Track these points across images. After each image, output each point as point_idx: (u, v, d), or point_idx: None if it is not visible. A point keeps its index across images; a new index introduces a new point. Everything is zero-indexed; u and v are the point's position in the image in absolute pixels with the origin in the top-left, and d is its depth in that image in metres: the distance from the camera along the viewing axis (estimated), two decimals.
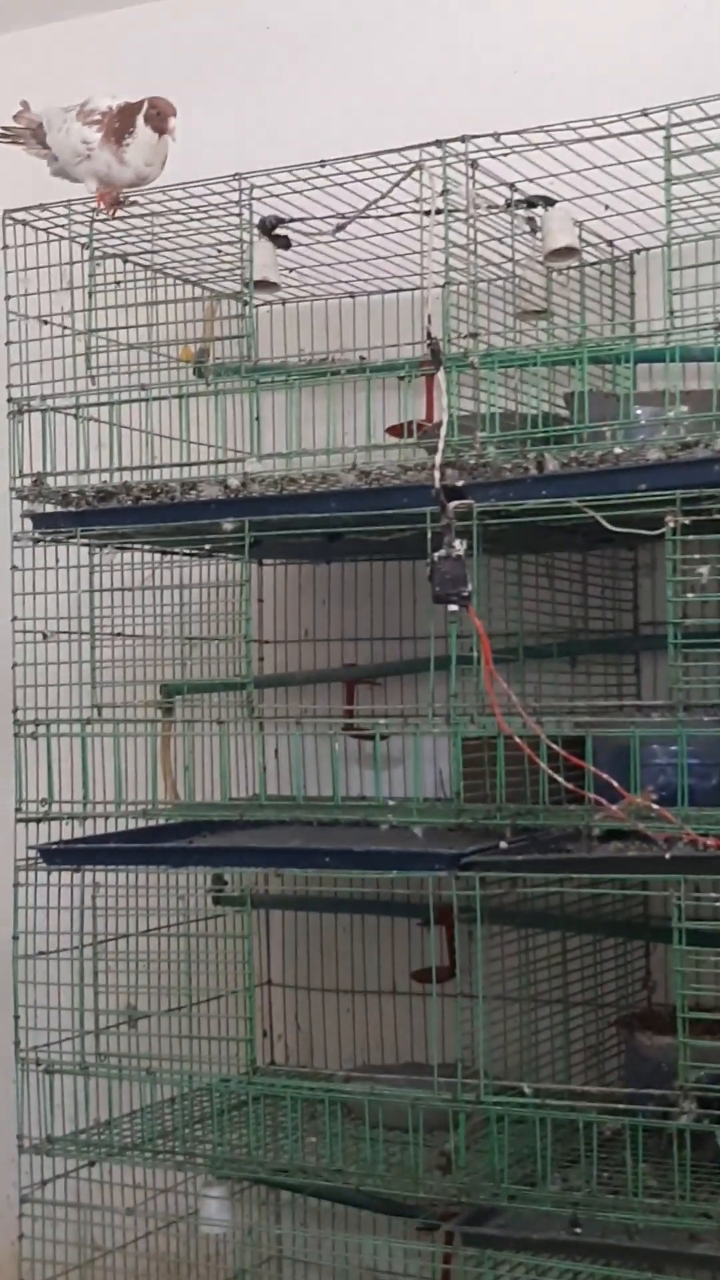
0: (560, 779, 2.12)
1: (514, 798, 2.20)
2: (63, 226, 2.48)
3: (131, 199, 2.42)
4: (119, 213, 2.42)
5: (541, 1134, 2.13)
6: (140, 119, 2.33)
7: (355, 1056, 2.82)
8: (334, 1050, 2.85)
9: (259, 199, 2.38)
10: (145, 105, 2.33)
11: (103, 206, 2.40)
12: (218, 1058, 2.42)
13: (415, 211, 2.36)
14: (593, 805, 2.13)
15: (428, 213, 2.21)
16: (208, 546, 2.48)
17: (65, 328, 2.48)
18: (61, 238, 2.50)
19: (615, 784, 2.10)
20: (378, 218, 2.45)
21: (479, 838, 2.21)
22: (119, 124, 2.34)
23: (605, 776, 2.10)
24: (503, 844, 2.17)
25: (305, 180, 2.35)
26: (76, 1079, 2.44)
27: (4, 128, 2.50)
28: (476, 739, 2.21)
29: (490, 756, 2.19)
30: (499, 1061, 2.29)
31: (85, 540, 2.45)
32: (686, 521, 2.04)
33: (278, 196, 2.41)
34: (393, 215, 2.43)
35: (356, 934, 2.83)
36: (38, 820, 2.46)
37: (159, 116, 2.32)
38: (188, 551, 2.57)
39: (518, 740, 2.12)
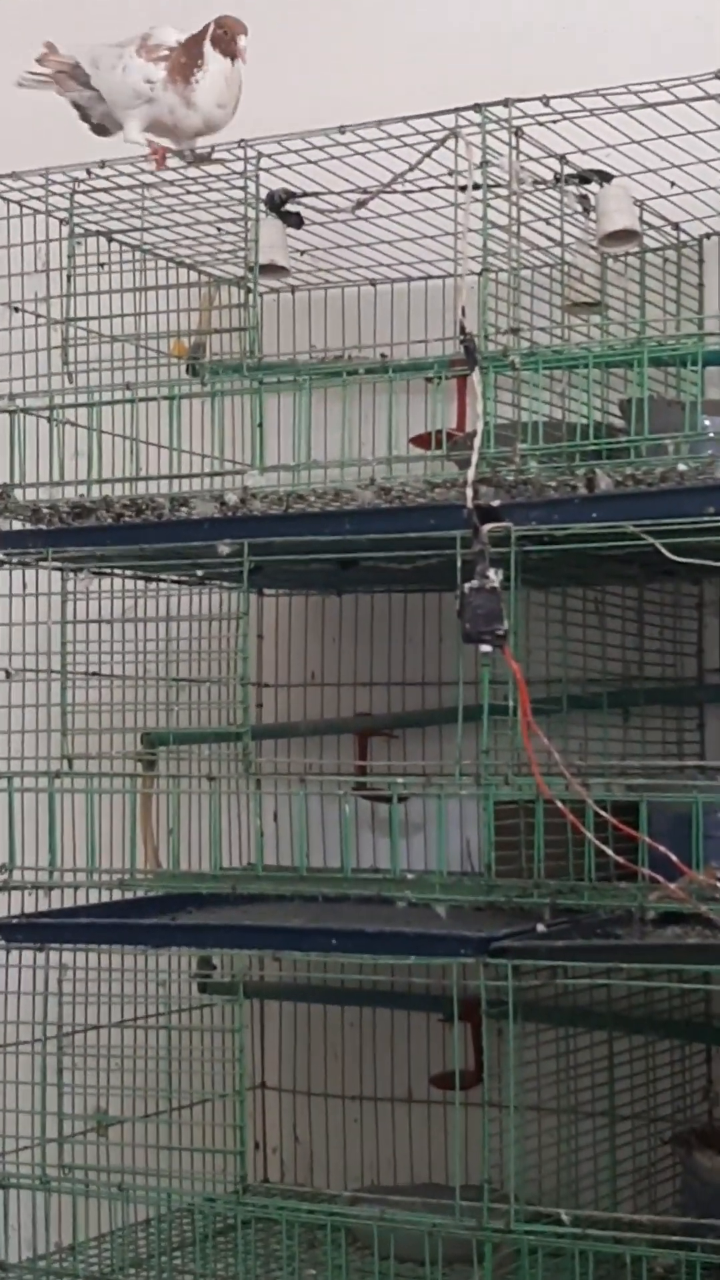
0: (609, 851, 2.12)
1: (554, 873, 2.19)
2: (39, 199, 2.50)
3: (214, 156, 2.40)
4: (206, 167, 2.39)
5: (582, 1269, 2.12)
6: (207, 44, 2.33)
7: (363, 1175, 2.81)
8: (338, 1167, 2.84)
9: (267, 170, 2.40)
10: (211, 27, 2.33)
11: (156, 162, 2.40)
12: (202, 1173, 2.41)
13: (449, 187, 2.37)
14: (647, 883, 2.12)
15: (463, 188, 2.23)
16: (200, 573, 2.49)
17: (39, 316, 2.50)
18: (37, 211, 2.52)
19: (674, 858, 2.09)
20: (405, 193, 2.46)
21: (512, 919, 2.21)
22: (185, 59, 2.35)
23: (662, 849, 2.10)
24: (540, 927, 2.16)
25: (321, 149, 2.37)
26: (36, 1195, 2.43)
27: (31, 72, 2.52)
28: (511, 803, 2.20)
29: (527, 824, 2.18)
30: (533, 1183, 2.27)
31: (58, 563, 2.46)
32: None
33: (289, 167, 2.42)
34: (422, 191, 2.45)
35: (366, 1031, 2.83)
36: None
37: (227, 37, 2.32)
38: (177, 578, 2.58)
39: (560, 805, 2.12)
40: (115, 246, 2.60)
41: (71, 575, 2.48)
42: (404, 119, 2.27)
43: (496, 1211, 2.15)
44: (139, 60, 2.39)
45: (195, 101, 2.36)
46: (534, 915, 2.18)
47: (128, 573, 2.55)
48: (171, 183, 2.45)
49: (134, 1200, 2.43)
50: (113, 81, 2.44)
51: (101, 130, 2.53)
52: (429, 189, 2.44)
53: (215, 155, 2.38)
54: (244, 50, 2.32)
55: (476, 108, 2.21)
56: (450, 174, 2.31)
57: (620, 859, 2.13)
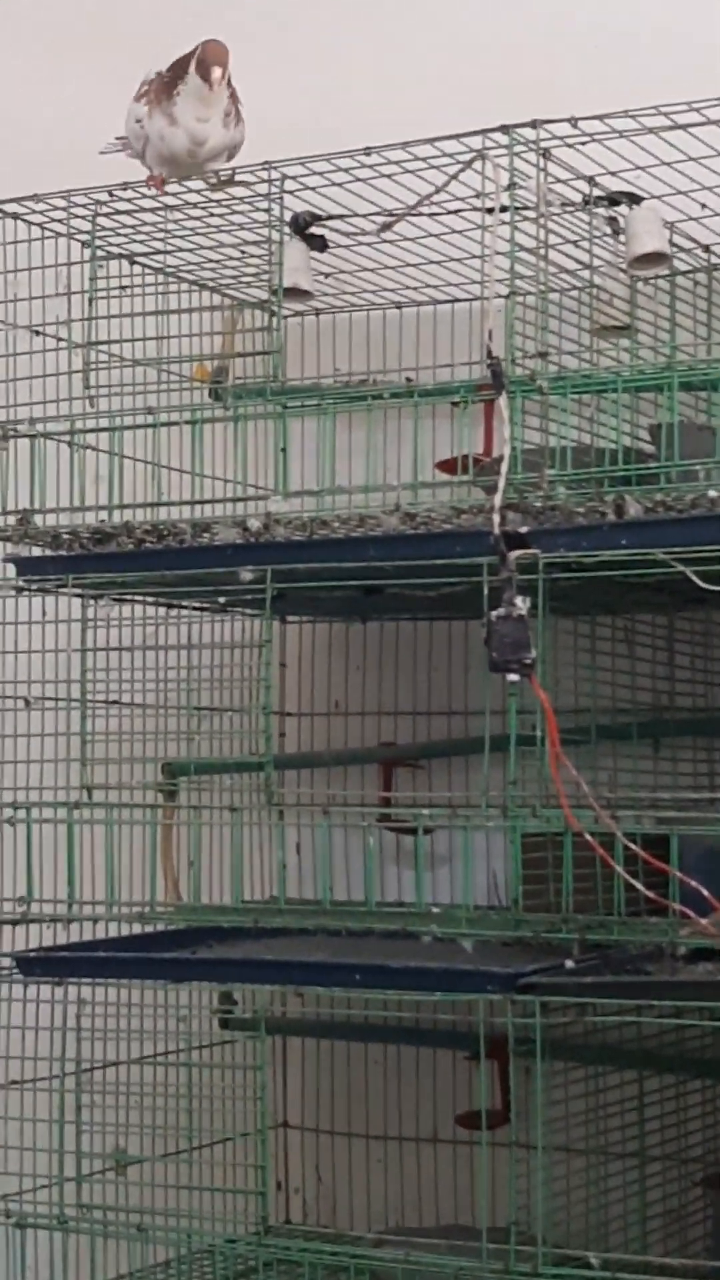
0: (639, 885, 2.11)
1: (583, 907, 2.19)
2: (60, 221, 2.52)
3: (226, 179, 2.41)
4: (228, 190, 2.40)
5: None
6: (192, 64, 2.34)
7: (387, 1216, 2.80)
8: (361, 1208, 2.84)
9: (291, 192, 2.41)
10: (197, 50, 2.34)
11: (155, 186, 2.42)
12: (223, 1213, 2.40)
13: (476, 209, 2.38)
14: (678, 918, 2.12)
15: (490, 210, 2.23)
16: (222, 600, 2.49)
17: (61, 339, 2.51)
18: (58, 234, 2.54)
19: (705, 893, 2.09)
20: (431, 216, 2.47)
21: (540, 954, 2.20)
22: (169, 77, 2.36)
23: (693, 883, 2.09)
24: (569, 963, 2.16)
25: (346, 171, 2.38)
26: (53, 1235, 2.43)
27: (119, 138, 2.54)
28: (539, 835, 2.20)
29: (555, 857, 2.18)
30: (561, 1225, 2.27)
31: (78, 590, 2.47)
32: None
33: (313, 189, 2.44)
34: (449, 213, 2.46)
35: (391, 1068, 2.82)
36: (14, 923, 2.46)
37: (201, 63, 2.34)
38: (198, 605, 2.58)
39: (588, 838, 2.11)
40: (137, 269, 2.62)
41: (92, 602, 2.49)
42: (430, 140, 2.28)
43: (524, 1254, 2.14)
44: (133, 104, 2.42)
45: (175, 116, 2.37)
46: (562, 950, 2.18)
47: (149, 599, 2.56)
48: (195, 205, 2.46)
49: (153, 1241, 2.42)
50: (127, 128, 2.47)
51: None
52: (455, 211, 2.45)
53: (238, 178, 2.39)
54: (217, 81, 2.33)
55: (504, 129, 2.22)
56: (477, 196, 2.32)
57: (650, 893, 2.12)
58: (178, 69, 2.37)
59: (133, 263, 2.62)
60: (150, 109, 2.38)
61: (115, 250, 2.58)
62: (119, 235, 2.55)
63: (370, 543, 2.28)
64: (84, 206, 2.49)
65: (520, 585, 2.14)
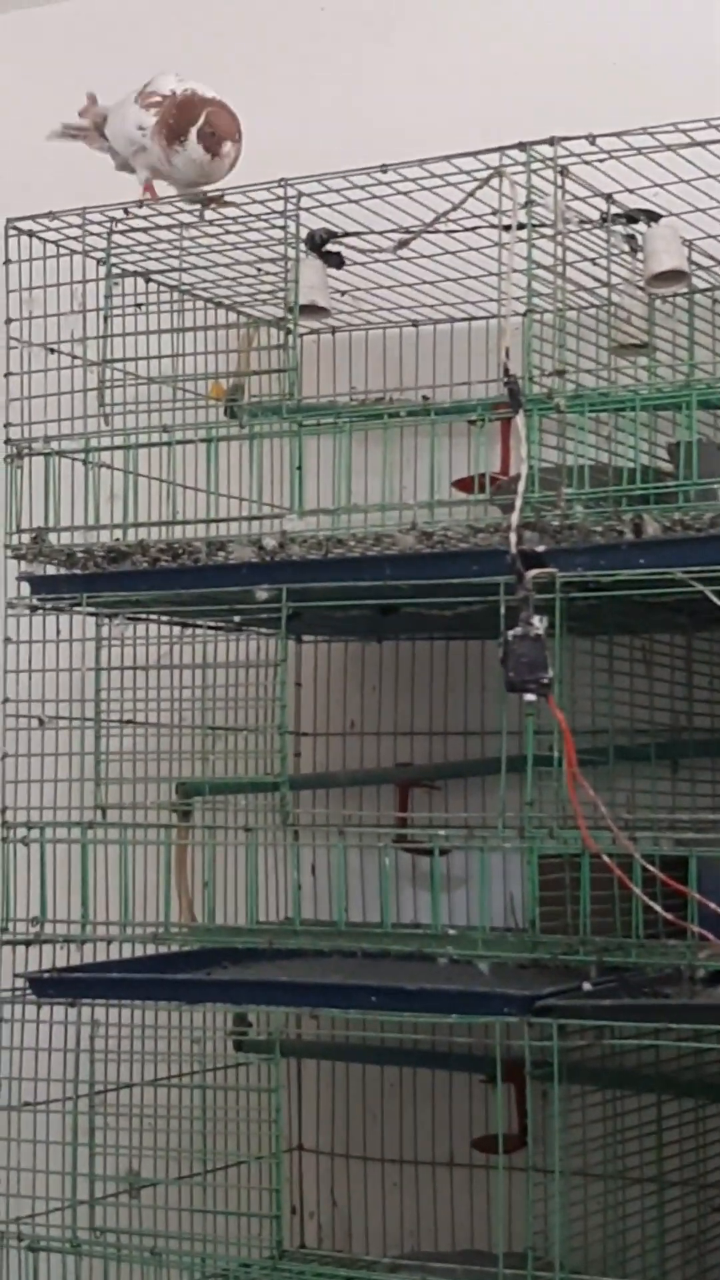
0: (657, 907, 2.11)
1: (601, 929, 2.19)
2: (75, 239, 2.53)
3: (215, 196, 2.42)
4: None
5: None
6: (194, 131, 2.35)
7: (403, 1241, 2.80)
8: (377, 1232, 2.83)
9: (307, 209, 2.42)
10: (202, 117, 2.35)
11: (147, 197, 2.43)
12: (237, 1238, 2.40)
13: (493, 226, 2.39)
14: (696, 940, 2.12)
15: (508, 227, 2.24)
16: (237, 619, 2.50)
17: (75, 357, 2.52)
18: (74, 251, 2.55)
19: None
20: (448, 233, 2.48)
21: (557, 977, 2.20)
22: (174, 121, 2.37)
23: (712, 906, 2.09)
24: (586, 985, 2.16)
25: (362, 188, 2.39)
26: (66, 1258, 2.43)
27: (66, 125, 2.56)
28: (556, 857, 2.20)
29: (573, 879, 2.18)
30: (578, 1251, 2.26)
31: (92, 609, 2.47)
32: None
33: (329, 207, 2.44)
34: (466, 230, 2.47)
35: (407, 1091, 2.82)
36: (27, 943, 2.46)
37: (212, 137, 2.34)
38: (213, 624, 2.59)
39: (606, 859, 2.12)
40: (153, 287, 2.63)
41: (106, 621, 2.49)
42: (447, 158, 2.29)
43: None
44: (135, 107, 2.43)
45: (174, 164, 2.38)
46: (580, 973, 2.18)
47: (163, 618, 2.56)
48: (210, 222, 2.47)
49: (167, 1265, 2.42)
50: (115, 129, 2.48)
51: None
52: (473, 228, 2.45)
53: (248, 194, 2.40)
54: (227, 156, 2.35)
55: (521, 146, 2.23)
56: (494, 213, 2.33)
57: (669, 915, 2.12)
58: (183, 117, 2.37)
59: (148, 280, 2.63)
60: (155, 136, 2.39)
61: (130, 267, 2.59)
62: (134, 252, 2.56)
63: (386, 562, 2.29)
64: (99, 224, 2.50)
65: (537, 605, 2.14)
